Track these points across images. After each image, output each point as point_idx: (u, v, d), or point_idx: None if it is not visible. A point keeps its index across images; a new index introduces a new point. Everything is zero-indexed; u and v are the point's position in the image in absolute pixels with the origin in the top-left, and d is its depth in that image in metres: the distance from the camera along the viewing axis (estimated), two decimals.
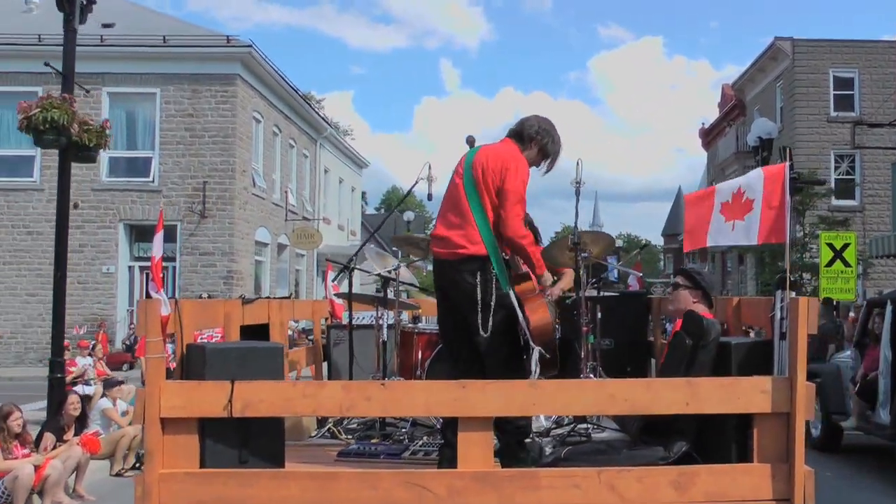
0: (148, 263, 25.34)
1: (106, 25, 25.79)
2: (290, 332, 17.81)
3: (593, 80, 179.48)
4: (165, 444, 4.10)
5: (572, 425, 5.70)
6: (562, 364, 6.86)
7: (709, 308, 5.50)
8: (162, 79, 24.63)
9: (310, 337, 11.65)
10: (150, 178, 24.77)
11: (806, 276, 24.73)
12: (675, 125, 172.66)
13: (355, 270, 7.01)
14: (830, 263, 19.96)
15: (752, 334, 5.77)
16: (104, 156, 24.43)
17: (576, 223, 6.20)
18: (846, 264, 19.91)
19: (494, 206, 4.71)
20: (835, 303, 16.58)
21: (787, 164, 4.26)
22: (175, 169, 24.61)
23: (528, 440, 4.76)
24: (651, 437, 4.32)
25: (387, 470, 4.38)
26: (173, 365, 4.63)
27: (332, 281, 9.47)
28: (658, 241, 69.26)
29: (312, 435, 6.17)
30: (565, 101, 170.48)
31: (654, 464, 4.11)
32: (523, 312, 4.63)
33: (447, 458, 4.43)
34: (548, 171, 5.13)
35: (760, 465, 4.04)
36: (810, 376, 13.19)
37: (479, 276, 4.60)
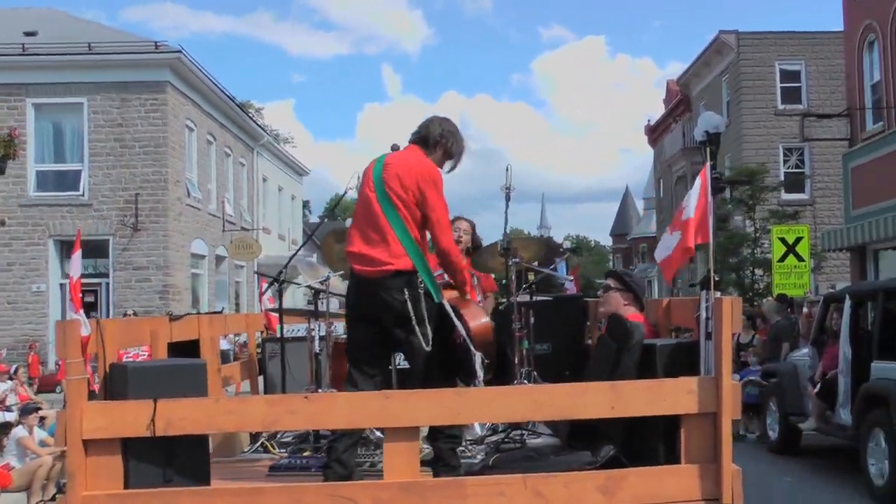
0: (82, 280, 25.14)
1: (28, 34, 25.62)
2: (230, 347, 17.85)
3: (537, 81, 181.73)
4: (88, 466, 4.17)
5: (506, 432, 5.85)
6: (496, 371, 7.08)
7: (640, 310, 5.71)
8: (89, 88, 24.46)
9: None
10: (80, 192, 24.58)
11: (758, 272, 25.09)
12: (620, 125, 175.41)
13: (289, 283, 7.09)
14: (783, 258, 20.28)
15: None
16: (31, 169, 24.37)
17: (505, 229, 6.36)
18: (799, 259, 20.24)
19: (415, 218, 4.83)
20: (789, 299, 16.70)
21: (709, 164, 4.44)
22: (105, 181, 24.44)
23: (460, 448, 4.91)
24: (579, 443, 4.48)
25: (312, 483, 4.49)
26: (97, 386, 4.69)
27: (266, 293, 9.55)
28: (606, 241, 70.27)
29: (245, 450, 6.27)
30: (508, 103, 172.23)
31: (582, 469, 4.26)
32: (461, 319, 4.77)
33: (337, 475, 4.60)
34: (451, 170, 5.25)
35: (688, 465, 4.17)
36: (766, 376, 13.03)
37: (407, 292, 4.69)
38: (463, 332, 4.75)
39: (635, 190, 69.43)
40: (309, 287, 6.91)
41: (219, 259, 30.22)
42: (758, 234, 25.53)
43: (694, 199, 4.37)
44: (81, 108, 24.52)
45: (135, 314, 21.35)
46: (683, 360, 4.39)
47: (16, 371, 17.07)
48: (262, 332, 8.90)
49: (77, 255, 4.49)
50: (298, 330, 8.58)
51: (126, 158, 24.43)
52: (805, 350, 12.32)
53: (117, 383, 4.39)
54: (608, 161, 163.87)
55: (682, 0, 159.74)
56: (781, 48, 32.89)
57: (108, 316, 23.31)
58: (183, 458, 4.30)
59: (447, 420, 4.21)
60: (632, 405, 4.15)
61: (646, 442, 4.33)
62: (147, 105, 24.56)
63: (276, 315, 8.80)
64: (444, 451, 4.70)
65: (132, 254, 24.44)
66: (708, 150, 4.37)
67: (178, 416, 4.13)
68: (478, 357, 4.67)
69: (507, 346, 6.51)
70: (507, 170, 6.60)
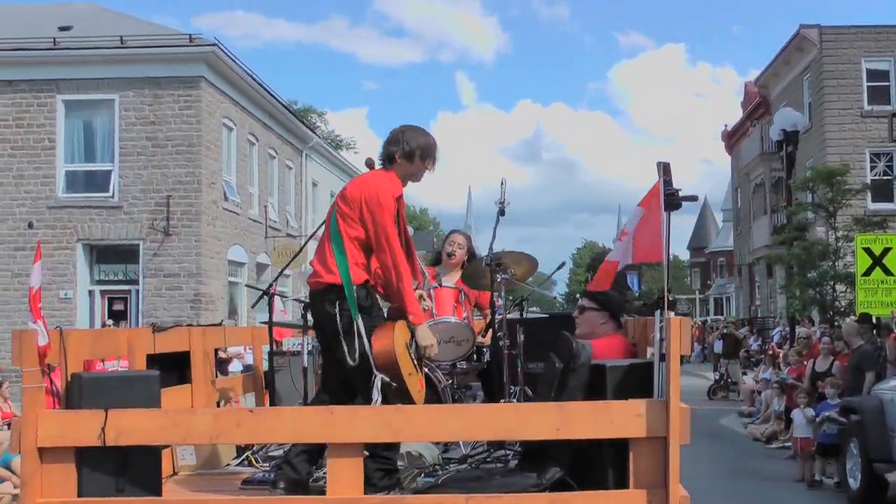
0: (111, 287, 26.03)
1: (63, 28, 26.56)
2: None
3: (614, 90, 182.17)
4: (43, 474, 4.63)
5: (486, 452, 6.19)
6: (487, 389, 7.43)
7: (617, 329, 6.02)
8: (120, 83, 25.19)
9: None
10: (110, 193, 25.31)
11: (840, 287, 24.52)
12: (700, 135, 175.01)
13: (275, 296, 7.54)
14: (868, 272, 19.41)
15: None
16: (60, 169, 25.26)
17: (491, 245, 6.71)
18: (887, 272, 19.50)
19: (357, 236, 5.32)
20: (874, 319, 16.11)
21: (661, 180, 4.74)
22: (136, 182, 25.15)
23: (393, 470, 5.28)
24: (529, 464, 4.81)
25: (259, 497, 4.90)
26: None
27: (252, 307, 10.03)
28: (685, 255, 70.34)
29: (229, 463, 6.72)
30: (586, 112, 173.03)
31: (527, 491, 4.59)
32: (369, 339, 5.19)
33: (287, 477, 5.02)
34: (433, 166, 5.67)
35: (636, 490, 4.40)
36: (846, 412, 12.45)
37: (337, 305, 5.21)
38: (368, 351, 5.16)
39: (714, 202, 69.52)
40: (297, 300, 7.36)
41: (260, 267, 30.76)
42: (840, 245, 24.99)
43: (637, 217, 4.68)
44: (112, 104, 25.24)
45: (114, 324, 21.88)
46: (637, 382, 4.66)
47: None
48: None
49: (38, 265, 4.93)
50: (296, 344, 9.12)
51: (158, 158, 25.08)
52: (893, 382, 11.64)
53: (74, 393, 4.85)
54: (688, 172, 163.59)
55: (762, 1, 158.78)
56: (868, 43, 32.68)
57: (137, 325, 24.07)
58: (135, 468, 4.74)
59: (391, 437, 4.58)
60: (578, 427, 4.42)
61: (594, 465, 4.62)
62: (181, 102, 25.18)
63: (287, 328, 9.38)
64: (371, 472, 5.03)
65: (163, 260, 25.11)
66: (662, 165, 4.54)
67: (129, 427, 4.56)
68: (378, 378, 5.06)
69: (497, 364, 6.89)
70: (501, 184, 6.96)
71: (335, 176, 42.03)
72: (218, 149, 26.71)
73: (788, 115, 24.87)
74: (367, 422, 4.44)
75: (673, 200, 4.73)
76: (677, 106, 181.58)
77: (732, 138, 48.09)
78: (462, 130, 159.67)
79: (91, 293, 25.81)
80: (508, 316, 7.07)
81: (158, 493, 4.80)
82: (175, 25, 25.82)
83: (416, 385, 5.31)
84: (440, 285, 7.10)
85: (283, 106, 33.38)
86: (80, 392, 4.76)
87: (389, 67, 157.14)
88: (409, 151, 5.54)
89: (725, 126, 49.56)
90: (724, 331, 31.72)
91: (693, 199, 4.92)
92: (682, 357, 4.41)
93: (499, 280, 6.92)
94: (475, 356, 7.23)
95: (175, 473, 6.18)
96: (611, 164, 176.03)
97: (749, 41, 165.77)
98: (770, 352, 24.60)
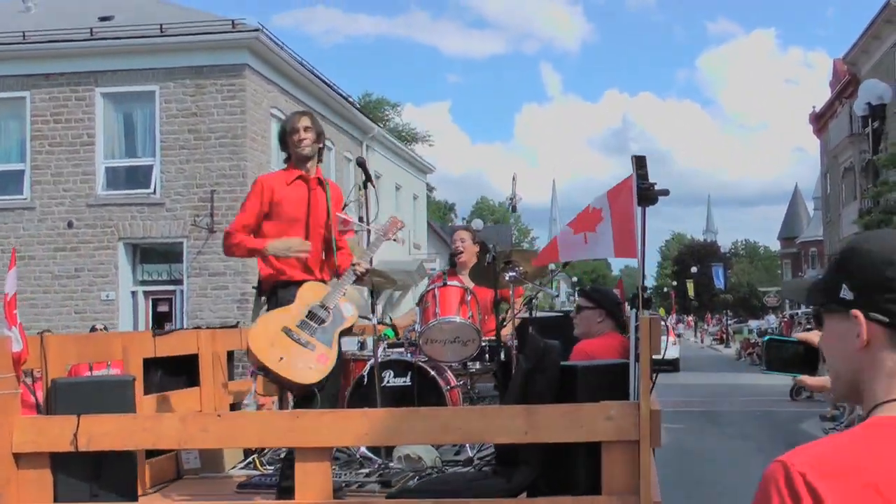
0: (155, 287, 26.71)
1: (104, 18, 27.27)
2: None
3: (703, 78, 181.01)
4: (19, 479, 5.02)
5: (492, 455, 6.45)
6: (502, 391, 7.68)
7: (616, 326, 6.24)
8: (161, 74, 25.80)
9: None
10: (152, 190, 25.93)
11: None
12: (792, 122, 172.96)
13: None
14: None
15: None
16: (100, 166, 25.98)
17: (494, 249, 6.97)
18: None
19: None
20: None
21: (634, 174, 4.94)
22: (179, 178, 25.74)
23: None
24: (503, 468, 5.06)
25: (244, 502, 5.24)
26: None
27: None
28: (775, 245, 69.95)
29: (233, 467, 7.09)
30: (674, 101, 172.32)
31: (495, 495, 4.84)
32: None
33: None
34: (323, 142, 6.36)
35: (607, 496, 4.59)
36: None
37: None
38: None
39: (805, 189, 68.84)
40: None
41: None
42: None
43: (605, 203, 4.90)
44: (153, 96, 25.84)
45: (104, 328, 22.36)
46: (611, 384, 4.87)
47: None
48: None
49: (13, 271, 5.30)
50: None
51: (201, 151, 25.61)
52: None
53: (51, 399, 5.24)
54: (780, 161, 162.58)
55: None
56: None
57: (182, 326, 24.65)
58: (109, 473, 5.12)
59: (357, 441, 4.88)
60: (547, 430, 4.64)
61: (566, 470, 4.85)
62: (224, 91, 25.65)
63: None
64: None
65: (207, 258, 25.61)
66: (636, 159, 4.65)
67: (101, 432, 4.93)
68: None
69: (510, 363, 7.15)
70: (512, 179, 7.23)
71: (401, 168, 42.37)
72: (265, 140, 27.10)
73: (874, 87, 24.50)
74: (332, 426, 4.74)
75: (649, 195, 4.92)
76: (768, 93, 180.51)
77: (821, 120, 47.48)
78: (547, 122, 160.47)
79: (134, 294, 26.48)
80: (519, 315, 7.34)
81: (134, 498, 5.16)
82: (254, 24, 26.09)
83: (293, 366, 5.57)
84: (445, 284, 7.36)
85: (340, 94, 33.70)
86: (55, 398, 5.14)
87: (473, 60, 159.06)
88: (285, 141, 6.35)
89: (813, 108, 48.92)
90: (808, 326, 31.40)
91: (665, 193, 5.09)
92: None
93: (507, 278, 7.19)
94: (488, 356, 7.45)
95: (179, 477, 6.57)
96: (701, 154, 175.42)
97: (842, 23, 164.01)
98: None
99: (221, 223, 25.49)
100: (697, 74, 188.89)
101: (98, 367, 7.39)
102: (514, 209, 7.04)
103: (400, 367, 7.10)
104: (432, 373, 6.98)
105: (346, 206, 7.43)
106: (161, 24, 25.71)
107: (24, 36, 25.85)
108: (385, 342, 8.02)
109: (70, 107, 25.95)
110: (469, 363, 7.31)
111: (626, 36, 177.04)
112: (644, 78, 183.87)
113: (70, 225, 25.88)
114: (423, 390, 6.94)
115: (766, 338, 3.03)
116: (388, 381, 7.00)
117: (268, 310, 5.94)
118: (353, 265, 5.99)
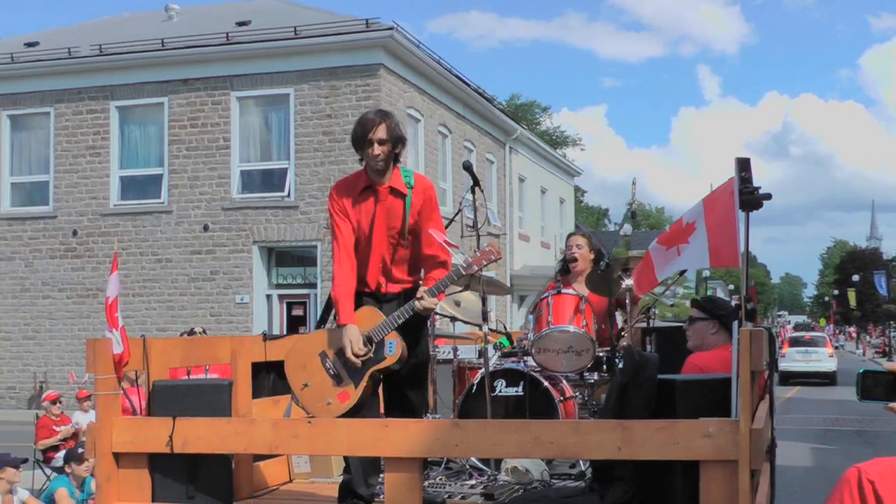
0: (290, 291, 27.30)
1: (241, 24, 28.10)
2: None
3: (866, 77, 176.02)
4: (120, 478, 5.29)
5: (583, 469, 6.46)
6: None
7: (730, 339, 6.17)
8: (295, 76, 26.44)
9: None
10: (286, 193, 26.58)
11: None
12: None
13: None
14: None
15: None
16: (235, 169, 26.71)
17: (609, 256, 6.97)
18: None
19: None
20: None
21: (737, 177, 4.88)
22: (313, 180, 26.26)
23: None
24: (598, 483, 5.07)
25: None
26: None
27: None
28: None
29: (341, 473, 7.27)
30: (837, 102, 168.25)
31: None
32: None
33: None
34: (399, 149, 5.77)
35: None
36: None
37: None
38: None
39: None
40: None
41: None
42: None
43: (700, 212, 4.86)
44: (287, 99, 26.51)
45: (203, 332, 22.66)
46: (715, 400, 4.74)
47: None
48: None
49: (115, 275, 5.53)
50: (447, 351, 9.59)
51: (335, 154, 26.04)
52: None
53: (152, 400, 5.50)
54: None
55: None
56: None
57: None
58: (206, 475, 5.34)
59: (443, 452, 4.96)
60: (642, 447, 4.54)
61: (662, 488, 4.78)
62: (358, 92, 26.06)
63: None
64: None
65: None
66: (740, 161, 4.61)
67: (195, 435, 5.15)
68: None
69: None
70: (632, 183, 7.23)
71: (546, 171, 42.25)
72: None
73: None
74: (421, 436, 4.83)
75: (752, 199, 4.86)
76: None
77: None
78: (705, 126, 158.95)
79: (269, 298, 27.13)
80: (636, 325, 7.32)
81: (229, 501, 5.37)
82: (408, 30, 26.32)
83: (313, 396, 5.58)
84: (559, 292, 7.35)
85: (481, 95, 33.78)
86: (154, 400, 5.39)
87: (629, 63, 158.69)
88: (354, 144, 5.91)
89: None
90: None
91: (768, 197, 5.01)
92: None
93: (623, 286, 7.19)
94: (605, 367, 7.40)
95: (290, 480, 6.79)
96: (866, 157, 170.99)
97: None
98: None
99: None
100: (861, 73, 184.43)
101: (196, 371, 7.64)
102: (633, 215, 6.97)
103: (512, 377, 7.12)
104: (545, 383, 6.96)
105: (458, 210, 7.51)
106: (295, 27, 26.30)
107: (162, 43, 26.82)
108: (500, 350, 8.09)
109: (206, 111, 26.79)
110: (587, 374, 7.28)
111: (786, 35, 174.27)
112: (805, 79, 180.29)
113: (206, 228, 26.68)
114: (534, 400, 6.95)
115: (861, 370, 3.22)
116: (499, 391, 7.04)
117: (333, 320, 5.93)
118: (417, 299, 5.52)
